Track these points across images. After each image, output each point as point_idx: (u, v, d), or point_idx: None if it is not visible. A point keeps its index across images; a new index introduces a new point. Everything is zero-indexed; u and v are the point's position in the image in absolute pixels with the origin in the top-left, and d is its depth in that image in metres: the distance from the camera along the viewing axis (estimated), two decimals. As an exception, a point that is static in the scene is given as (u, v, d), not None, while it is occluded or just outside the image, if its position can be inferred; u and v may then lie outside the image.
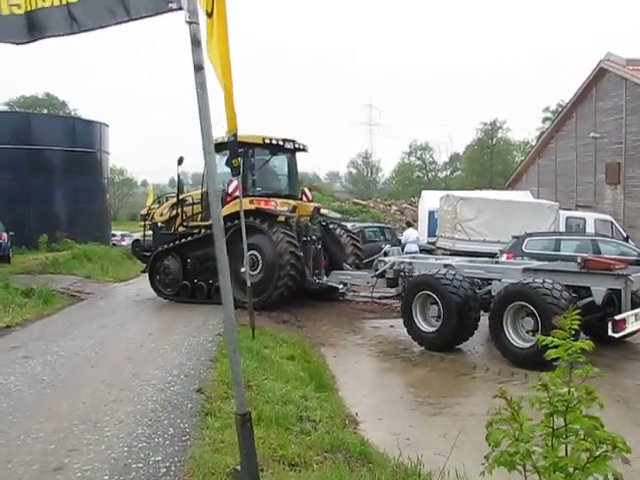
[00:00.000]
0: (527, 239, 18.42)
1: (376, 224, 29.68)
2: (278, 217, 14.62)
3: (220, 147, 15.07)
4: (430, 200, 29.89)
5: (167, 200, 18.13)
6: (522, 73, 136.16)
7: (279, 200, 15.41)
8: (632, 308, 10.13)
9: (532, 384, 3.17)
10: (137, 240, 19.11)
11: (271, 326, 12.60)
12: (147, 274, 16.82)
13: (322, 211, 16.75)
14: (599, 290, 10.29)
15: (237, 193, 14.39)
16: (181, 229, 16.33)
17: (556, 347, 3.10)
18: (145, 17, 3.62)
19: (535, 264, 12.15)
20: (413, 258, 14.28)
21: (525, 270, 11.10)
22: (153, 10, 3.60)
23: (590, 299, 10.41)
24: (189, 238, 15.85)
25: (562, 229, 23.22)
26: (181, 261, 15.97)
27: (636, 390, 8.95)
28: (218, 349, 9.74)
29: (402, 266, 13.02)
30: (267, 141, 15.35)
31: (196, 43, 3.57)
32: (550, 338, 3.13)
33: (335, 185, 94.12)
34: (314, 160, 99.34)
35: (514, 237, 18.83)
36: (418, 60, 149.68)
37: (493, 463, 3.08)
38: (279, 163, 16.96)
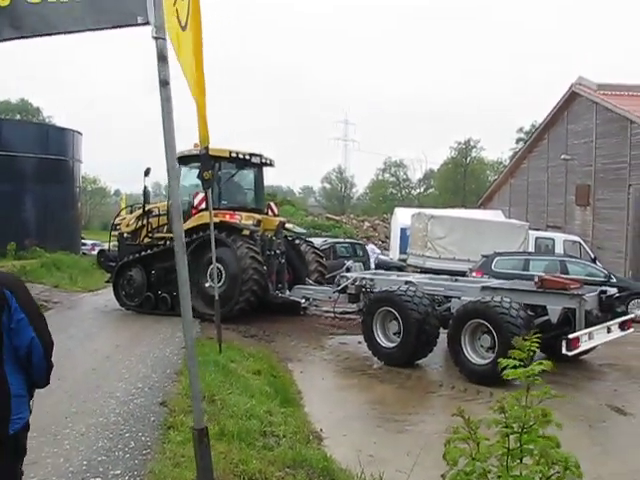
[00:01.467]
0: (496, 258, 18.58)
1: (348, 240, 29.63)
2: (242, 231, 14.65)
3: (188, 160, 15.07)
4: (402, 217, 30.08)
5: (135, 210, 18.05)
6: (498, 93, 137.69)
7: (244, 214, 15.39)
8: (586, 327, 10.36)
9: (490, 405, 3.19)
10: (103, 250, 18.95)
11: (239, 340, 12.55)
12: (112, 284, 16.69)
13: (287, 225, 16.82)
14: (555, 309, 10.61)
15: (203, 206, 14.36)
16: (146, 240, 16.26)
17: (515, 367, 3.12)
18: (111, 28, 3.62)
19: (494, 282, 12.35)
20: (375, 274, 14.38)
21: (484, 288, 11.30)
22: (120, 22, 3.60)
23: (546, 318, 10.69)
24: (154, 249, 15.78)
25: (531, 249, 23.46)
26: (145, 272, 15.86)
27: (598, 409, 9.04)
28: (184, 362, 9.64)
29: (364, 282, 13.09)
30: (234, 155, 15.38)
31: (162, 58, 3.57)
32: (508, 360, 3.16)
33: (309, 200, 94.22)
34: (289, 174, 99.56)
35: (484, 256, 18.99)
36: (394, 78, 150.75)
37: (450, 482, 3.09)
38: (245, 177, 16.98)
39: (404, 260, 25.49)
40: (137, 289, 15.97)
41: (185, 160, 15.51)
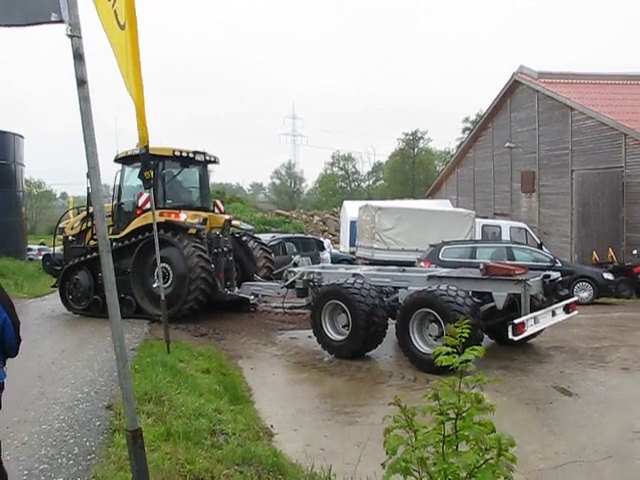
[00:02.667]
0: (444, 247, 18.80)
1: (297, 235, 29.39)
2: (188, 229, 14.49)
3: (131, 159, 14.87)
4: (351, 210, 30.20)
5: (81, 213, 17.74)
6: (445, 84, 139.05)
7: (190, 212, 15.27)
8: (531, 311, 10.46)
9: (425, 393, 3.20)
10: (48, 255, 18.54)
11: (188, 339, 12.43)
12: (58, 289, 16.42)
13: (234, 222, 16.69)
14: (500, 295, 10.71)
15: (147, 206, 14.19)
16: (92, 243, 15.94)
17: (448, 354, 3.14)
18: (24, 26, 3.52)
19: (440, 271, 12.42)
20: (322, 268, 14.39)
21: (430, 278, 11.34)
22: (34, 19, 3.51)
23: (492, 304, 10.81)
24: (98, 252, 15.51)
25: (478, 237, 23.77)
26: (92, 275, 15.59)
27: (545, 392, 9.18)
28: (132, 364, 9.50)
29: (311, 276, 13.08)
30: (177, 153, 15.21)
31: (78, 57, 3.48)
32: (441, 347, 3.17)
33: (259, 196, 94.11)
34: (238, 172, 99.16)
35: (431, 245, 19.17)
36: (339, 72, 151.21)
37: (390, 470, 3.10)
38: (190, 175, 16.77)
39: (354, 253, 25.58)
40: (84, 292, 15.71)
41: (128, 160, 15.34)
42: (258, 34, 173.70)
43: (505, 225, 25.48)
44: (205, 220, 15.25)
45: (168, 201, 15.51)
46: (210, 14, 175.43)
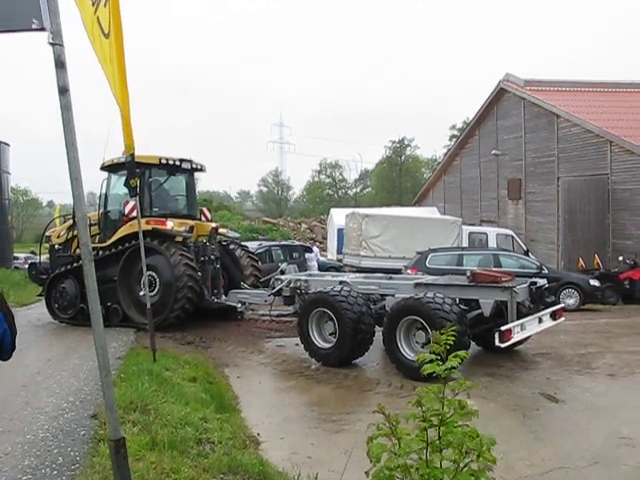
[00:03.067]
0: (430, 254, 18.83)
1: (284, 242, 29.27)
2: (175, 237, 14.50)
3: (117, 168, 14.86)
4: (338, 218, 30.23)
5: (68, 221, 17.65)
6: (432, 92, 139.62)
7: (177, 220, 15.25)
8: (518, 318, 10.47)
9: (409, 400, 3.20)
10: (34, 263, 18.44)
11: (175, 348, 12.40)
12: (44, 297, 16.38)
13: (220, 230, 16.71)
14: (487, 302, 10.70)
15: (134, 214, 14.14)
16: (78, 251, 15.70)
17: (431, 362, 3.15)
18: (4, 32, 3.50)
19: (427, 279, 12.40)
20: (309, 275, 14.38)
21: (417, 285, 11.36)
22: (14, 26, 3.49)
23: (479, 311, 10.82)
24: None
25: (465, 244, 23.84)
26: (79, 284, 15.49)
27: (532, 398, 9.19)
28: (117, 373, 9.47)
29: (298, 284, 13.07)
30: (164, 161, 15.19)
31: (60, 65, 3.47)
32: (425, 355, 3.17)
33: (246, 204, 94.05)
34: (225, 179, 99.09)
35: (418, 253, 19.20)
36: (327, 80, 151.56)
37: (374, 479, 3.09)
38: (177, 183, 16.74)
39: (341, 260, 25.59)
40: (70, 301, 15.67)
41: (115, 168, 15.32)
42: (244, 41, 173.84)
43: (492, 232, 25.60)
44: (192, 228, 15.23)
45: (155, 209, 15.48)
46: (206, 15, 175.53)
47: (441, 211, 37.54)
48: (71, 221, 16.40)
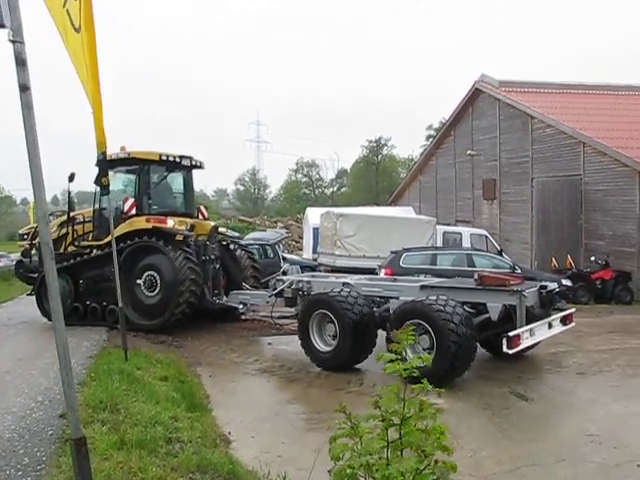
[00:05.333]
0: (405, 254, 18.88)
1: (259, 241, 29.12)
2: (176, 236, 14.23)
3: (113, 164, 14.63)
4: (314, 217, 30.21)
5: (55, 218, 17.29)
6: (411, 92, 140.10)
7: (177, 218, 15.03)
8: (527, 323, 10.08)
9: (368, 400, 3.22)
10: (21, 261, 18.00)
11: (147, 347, 12.34)
12: (34, 296, 15.91)
13: (220, 230, 16.38)
14: (494, 306, 10.26)
15: (133, 211, 13.98)
16: (71, 249, 15.65)
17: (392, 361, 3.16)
18: (-37, 29, 3.46)
19: (433, 281, 12.03)
20: (312, 277, 13.89)
21: (422, 287, 11.00)
22: None
23: (487, 315, 10.39)
24: (82, 258, 15.18)
25: (440, 244, 23.95)
26: (72, 282, 15.23)
27: (502, 397, 9.28)
28: (88, 372, 9.44)
29: (300, 285, 12.76)
30: (164, 158, 14.91)
31: (21, 63, 3.44)
32: (385, 354, 3.19)
33: (223, 202, 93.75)
34: (202, 177, 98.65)
35: (392, 252, 19.24)
36: (305, 79, 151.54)
37: (335, 477, 3.11)
38: (175, 180, 16.44)
39: (316, 259, 25.59)
40: (63, 300, 15.16)
41: (111, 164, 14.99)
42: (224, 40, 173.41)
43: (466, 232, 25.75)
44: (192, 227, 15.06)
45: (154, 207, 15.19)
46: (190, 15, 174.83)
47: (417, 211, 37.67)
48: (63, 218, 16.20)
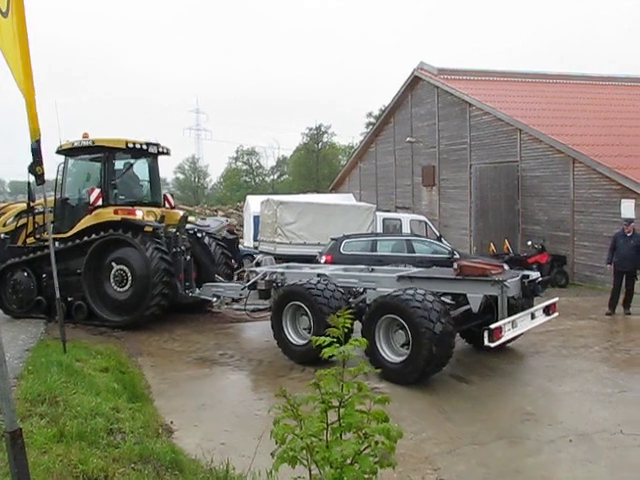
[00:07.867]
0: (345, 241, 19.01)
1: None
2: (144, 228, 13.70)
3: (76, 151, 14.21)
4: (254, 205, 30.10)
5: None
6: (351, 79, 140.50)
7: (145, 209, 14.42)
8: (510, 314, 9.75)
9: (307, 383, 3.26)
10: None
11: (87, 338, 12.20)
12: None
13: (190, 219, 15.87)
14: (475, 297, 9.86)
15: (100, 202, 13.56)
16: (29, 241, 14.90)
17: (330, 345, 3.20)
18: None
19: (411, 271, 11.56)
20: (286, 267, 13.45)
21: (400, 278, 10.53)
22: None
23: (467, 307, 10.01)
24: (43, 251, 14.28)
25: (380, 230, 24.15)
26: (34, 276, 14.63)
27: (443, 381, 9.45)
28: (25, 365, 9.26)
29: (274, 276, 12.35)
30: (130, 145, 14.27)
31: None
32: (322, 338, 3.22)
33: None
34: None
35: (332, 239, 19.35)
36: (244, 66, 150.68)
37: (278, 460, 3.14)
38: (141, 168, 15.70)
39: (257, 247, 25.56)
40: (25, 294, 14.63)
41: (73, 152, 14.59)
42: (163, 26, 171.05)
43: (405, 218, 26.01)
44: (163, 218, 14.52)
45: (121, 197, 14.57)
46: None
47: (357, 198, 37.85)
48: (19, 207, 15.57)
